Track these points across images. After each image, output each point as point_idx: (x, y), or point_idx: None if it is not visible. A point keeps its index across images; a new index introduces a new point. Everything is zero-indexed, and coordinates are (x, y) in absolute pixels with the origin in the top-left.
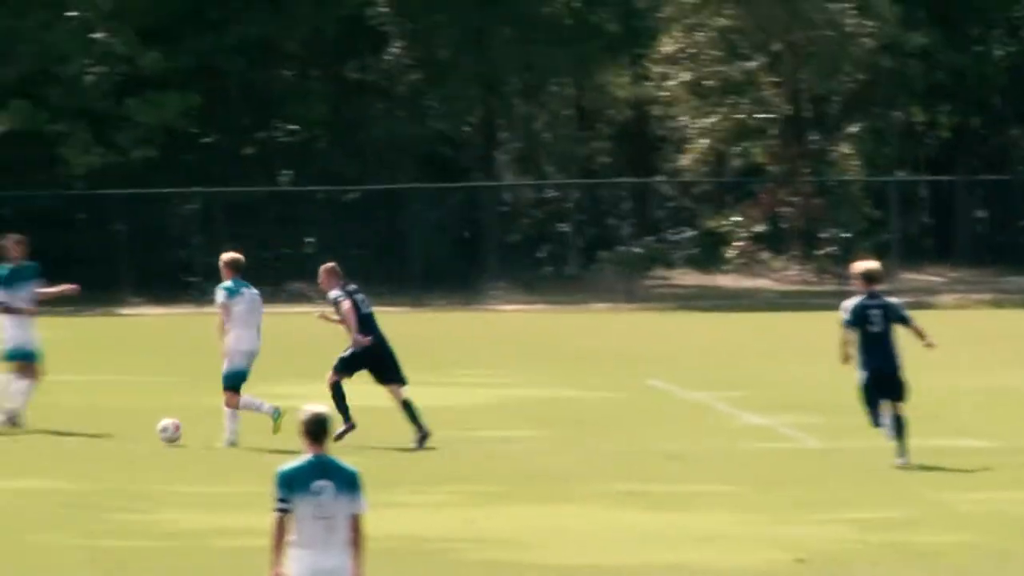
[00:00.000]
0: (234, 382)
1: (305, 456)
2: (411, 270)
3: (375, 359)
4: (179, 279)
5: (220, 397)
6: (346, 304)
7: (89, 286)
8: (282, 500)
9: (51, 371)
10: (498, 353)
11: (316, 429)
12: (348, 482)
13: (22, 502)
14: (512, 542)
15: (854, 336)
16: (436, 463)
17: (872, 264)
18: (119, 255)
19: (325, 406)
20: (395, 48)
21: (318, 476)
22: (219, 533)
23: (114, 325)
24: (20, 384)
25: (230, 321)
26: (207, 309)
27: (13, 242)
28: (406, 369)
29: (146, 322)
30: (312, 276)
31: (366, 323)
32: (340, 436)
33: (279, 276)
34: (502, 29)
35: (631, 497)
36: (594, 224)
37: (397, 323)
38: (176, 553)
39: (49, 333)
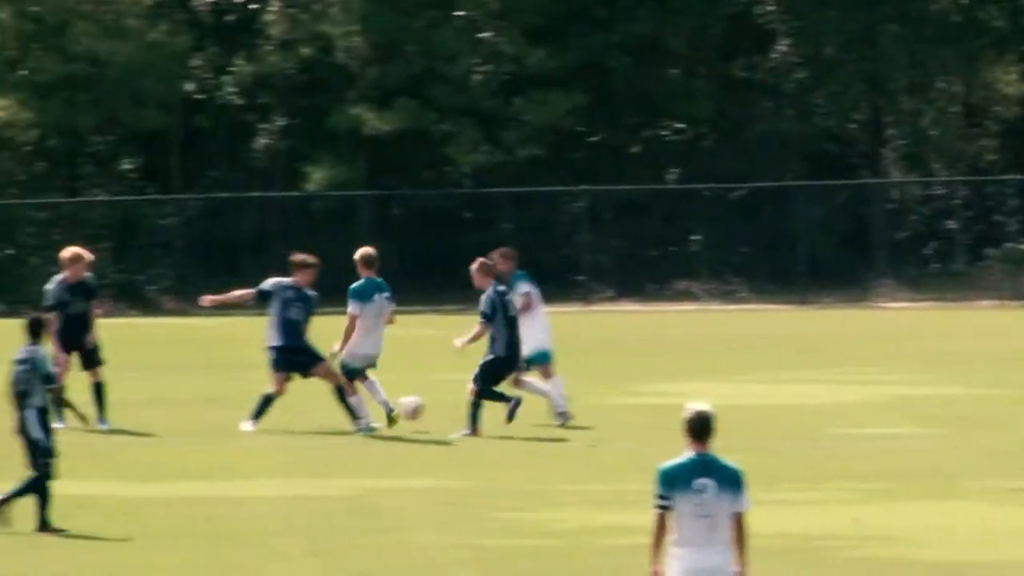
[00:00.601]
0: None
1: (687, 454)
2: (797, 268)
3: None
4: (565, 278)
5: (586, 396)
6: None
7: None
8: (663, 498)
9: (436, 369)
10: (885, 351)
11: (699, 427)
12: (731, 480)
13: (408, 501)
14: (897, 539)
15: None
16: (822, 460)
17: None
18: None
19: (709, 404)
20: (782, 46)
21: (700, 474)
22: (601, 531)
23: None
24: (547, 386)
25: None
26: (594, 308)
27: (500, 256)
28: (792, 367)
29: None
30: (698, 274)
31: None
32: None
33: (665, 274)
34: (889, 26)
35: (1018, 494)
36: (981, 221)
37: (783, 321)
38: (558, 551)
39: (437, 331)
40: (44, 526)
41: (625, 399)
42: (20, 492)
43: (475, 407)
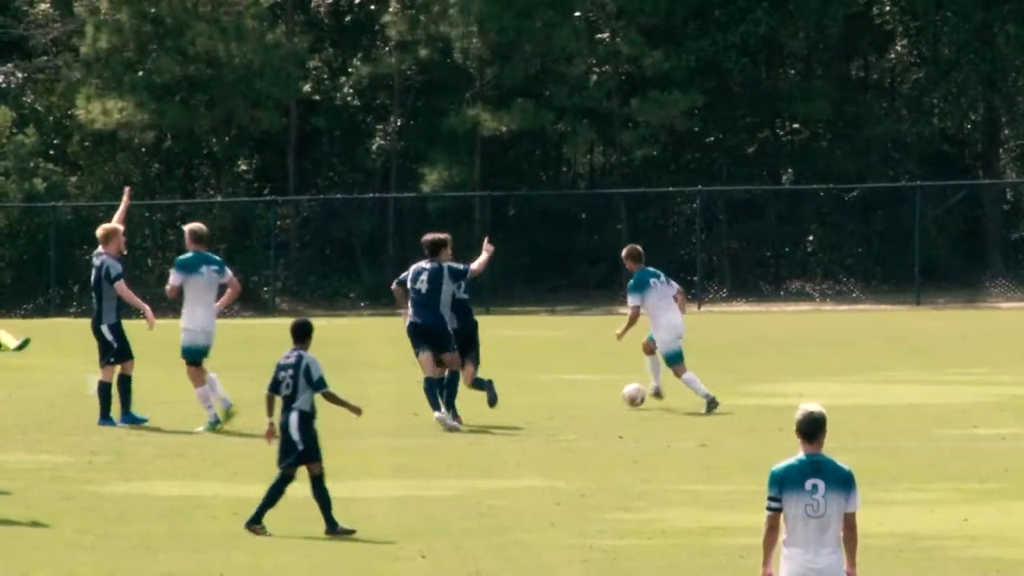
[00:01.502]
0: None
1: (799, 455)
2: (912, 268)
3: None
4: (679, 278)
5: (719, 396)
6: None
7: (592, 285)
8: (774, 499)
9: (550, 369)
10: (999, 351)
11: (810, 428)
12: (842, 480)
13: (517, 501)
14: (1007, 539)
15: None
16: (933, 460)
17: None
18: (620, 254)
19: (821, 405)
20: (899, 46)
21: (811, 475)
22: (710, 532)
23: (614, 324)
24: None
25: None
26: (708, 308)
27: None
28: (905, 367)
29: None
30: (811, 275)
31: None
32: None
33: (779, 274)
34: (1007, 26)
35: None
36: None
37: (897, 321)
38: (667, 552)
39: (552, 332)
40: (255, 521)
41: (737, 399)
42: (270, 500)
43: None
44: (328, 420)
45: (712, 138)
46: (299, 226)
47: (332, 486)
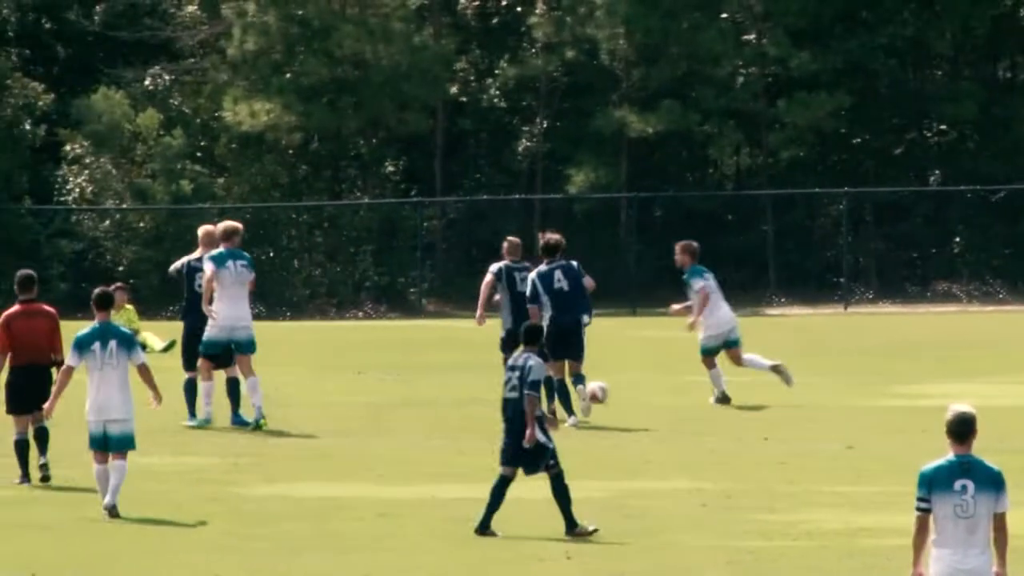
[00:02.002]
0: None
1: (948, 455)
2: None
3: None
4: (825, 279)
5: (844, 397)
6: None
7: (737, 286)
8: (923, 499)
9: (697, 371)
10: None
11: (961, 428)
12: (991, 481)
13: (666, 502)
14: None
15: None
16: None
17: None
18: (767, 255)
19: (970, 406)
20: None
21: (960, 475)
22: (857, 533)
23: (761, 325)
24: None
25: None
26: (854, 310)
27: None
28: None
29: (792, 322)
30: (958, 276)
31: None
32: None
33: (926, 276)
34: None
35: None
36: None
37: None
38: (814, 553)
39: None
40: (571, 527)
41: (884, 400)
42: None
43: None
44: (479, 418)
45: (859, 139)
46: (445, 227)
47: (478, 487)
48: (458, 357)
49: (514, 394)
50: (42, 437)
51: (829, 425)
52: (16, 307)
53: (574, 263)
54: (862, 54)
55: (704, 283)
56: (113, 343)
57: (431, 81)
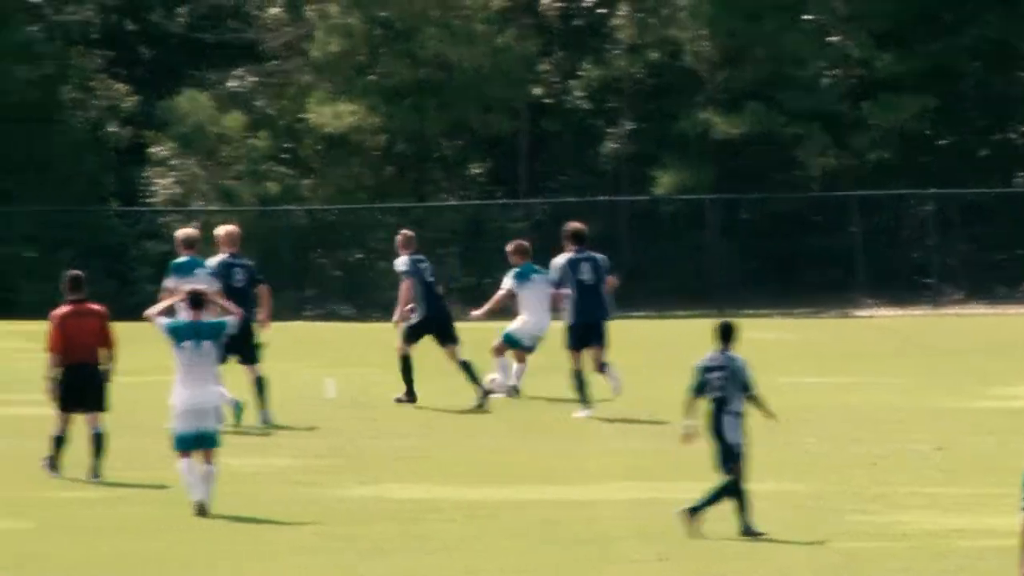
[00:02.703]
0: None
1: None
2: None
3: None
4: (914, 280)
5: (934, 399)
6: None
7: (825, 288)
8: None
9: (786, 372)
10: None
11: None
12: None
13: (759, 504)
14: None
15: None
16: None
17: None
18: (855, 257)
19: None
20: None
21: None
22: (949, 534)
23: (849, 326)
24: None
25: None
26: (943, 311)
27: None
28: None
29: (881, 323)
30: None
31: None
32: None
33: (1014, 277)
34: None
35: None
36: None
37: None
38: (906, 554)
39: (786, 335)
40: (747, 530)
41: (974, 402)
42: (715, 498)
43: None
44: (568, 417)
45: (944, 141)
46: (532, 229)
47: (567, 488)
48: (544, 359)
49: (718, 394)
50: (99, 443)
51: (919, 426)
52: (67, 307)
53: (601, 257)
54: (946, 56)
55: (512, 284)
56: (206, 343)
57: (514, 83)
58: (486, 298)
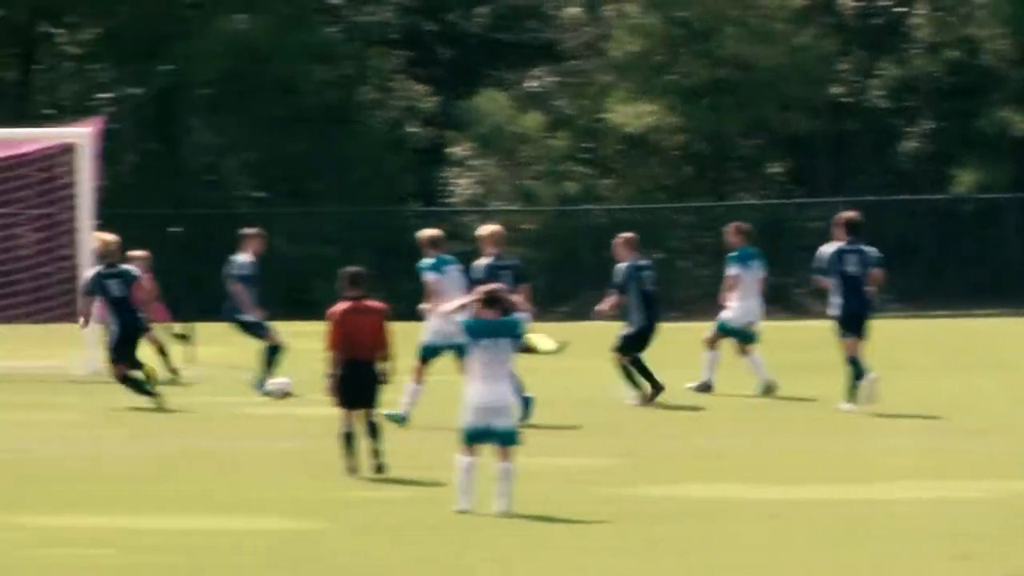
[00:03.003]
0: None
1: None
2: None
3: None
4: None
5: None
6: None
7: None
8: None
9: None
10: None
11: None
12: None
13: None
14: None
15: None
16: None
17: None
18: None
19: None
20: None
21: None
22: None
23: None
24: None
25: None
26: None
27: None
28: None
29: None
30: None
31: None
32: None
33: None
34: None
35: None
36: None
37: None
38: None
39: None
40: None
41: None
42: None
43: None
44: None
45: None
46: (829, 228)
47: (864, 487)
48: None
49: None
50: (375, 431)
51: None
52: (347, 303)
53: (870, 250)
54: None
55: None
56: (503, 340)
57: (813, 82)
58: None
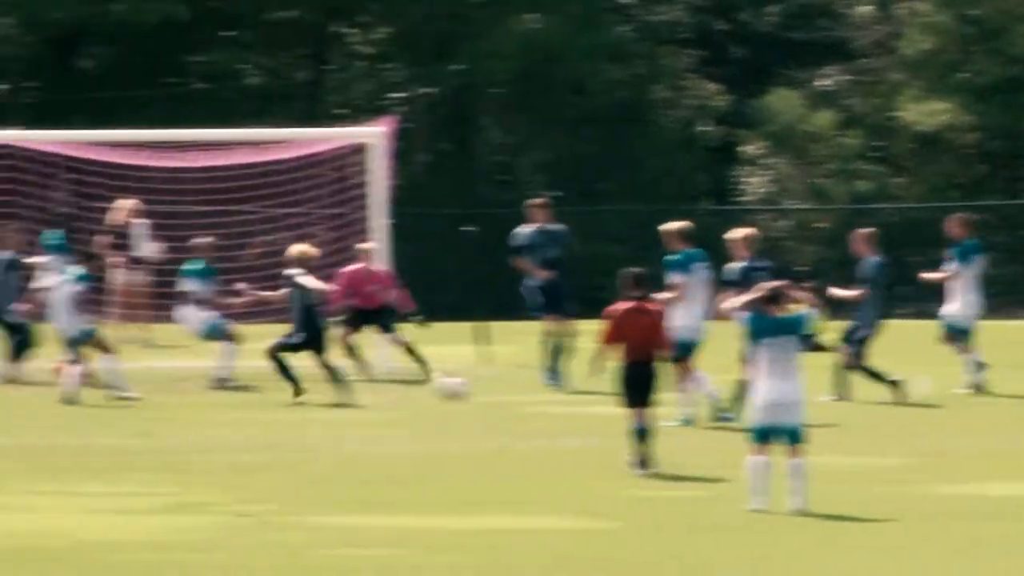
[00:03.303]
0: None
1: None
2: None
3: None
4: None
5: None
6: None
7: None
8: None
9: None
10: None
11: None
12: None
13: None
14: None
15: None
16: None
17: None
18: None
19: None
20: None
21: None
22: None
23: None
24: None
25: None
26: None
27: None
28: None
29: None
30: None
31: None
32: None
33: None
34: None
35: None
36: None
37: None
38: None
39: None
40: None
41: None
42: None
43: None
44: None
45: None
46: None
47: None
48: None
49: None
50: (643, 436)
51: None
52: (628, 303)
53: None
54: None
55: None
56: (788, 337)
57: None
58: None
